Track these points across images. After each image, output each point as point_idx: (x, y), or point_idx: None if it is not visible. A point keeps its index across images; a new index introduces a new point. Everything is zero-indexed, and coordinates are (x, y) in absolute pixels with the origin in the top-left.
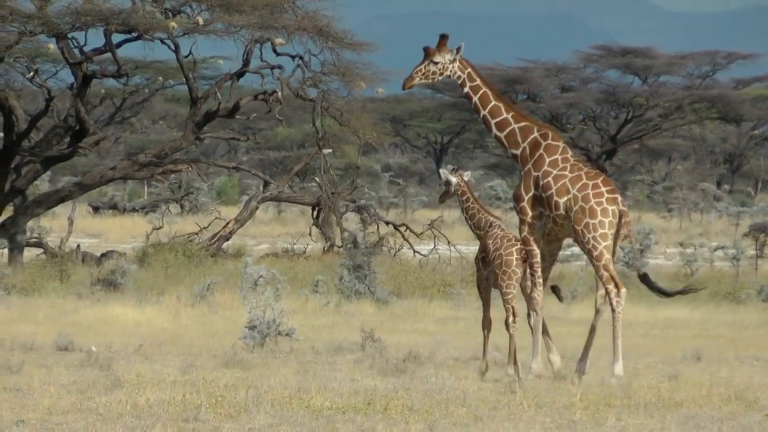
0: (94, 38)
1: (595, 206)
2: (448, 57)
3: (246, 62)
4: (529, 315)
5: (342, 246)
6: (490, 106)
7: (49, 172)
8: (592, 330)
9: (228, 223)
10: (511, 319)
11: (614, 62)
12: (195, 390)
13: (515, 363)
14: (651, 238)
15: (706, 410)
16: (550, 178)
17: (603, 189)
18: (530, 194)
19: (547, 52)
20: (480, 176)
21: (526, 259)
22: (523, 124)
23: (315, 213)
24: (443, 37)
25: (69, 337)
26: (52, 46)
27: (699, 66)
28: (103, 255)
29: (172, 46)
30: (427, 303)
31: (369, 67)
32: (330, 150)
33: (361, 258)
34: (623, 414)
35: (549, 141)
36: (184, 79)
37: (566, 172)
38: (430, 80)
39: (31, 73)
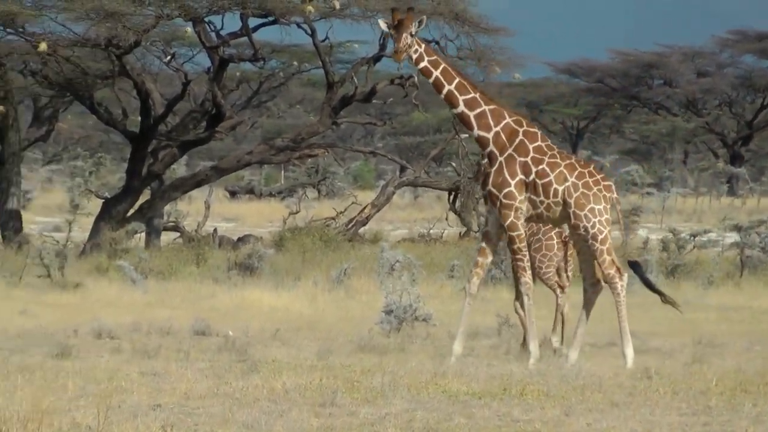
0: (231, 22)
1: (597, 192)
2: (413, 30)
3: (382, 47)
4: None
5: (478, 231)
6: (455, 83)
7: (185, 157)
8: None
9: (365, 208)
10: (559, 291)
11: (750, 47)
12: (331, 375)
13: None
14: None
15: None
16: (543, 165)
17: (598, 177)
18: (516, 179)
19: (680, 35)
20: (615, 161)
21: (567, 241)
22: (492, 106)
23: (451, 198)
24: (411, 10)
25: (206, 322)
26: (189, 29)
27: None
28: (239, 239)
29: (309, 30)
30: None
31: (505, 52)
32: (466, 135)
33: None
34: (759, 400)
35: (525, 128)
36: (320, 64)
37: (558, 160)
38: (405, 52)
39: (168, 57)
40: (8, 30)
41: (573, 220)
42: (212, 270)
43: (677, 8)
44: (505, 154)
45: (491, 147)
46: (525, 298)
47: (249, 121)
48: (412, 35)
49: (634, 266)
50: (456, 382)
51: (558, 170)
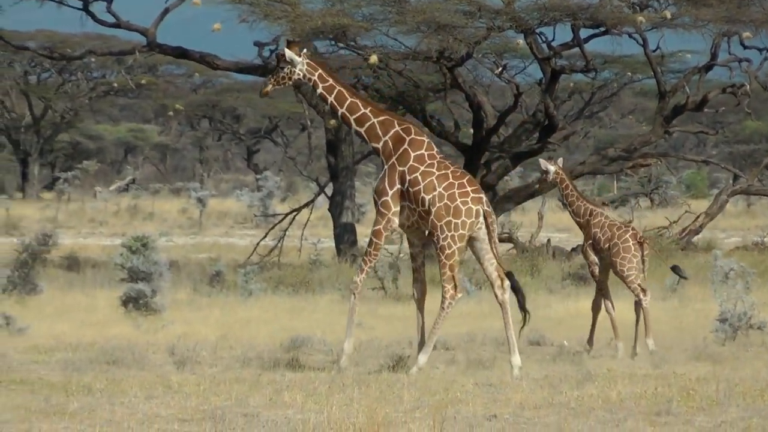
0: (562, 33)
1: (460, 205)
2: (295, 60)
3: (713, 55)
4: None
5: None
6: (347, 104)
7: (519, 168)
8: (506, 324)
9: (698, 217)
10: (642, 295)
11: None
12: (666, 383)
13: (650, 335)
14: None
15: None
16: (417, 174)
17: (468, 189)
18: (395, 189)
19: None
20: None
21: (643, 242)
22: (382, 118)
23: None
24: (289, 43)
25: (540, 332)
26: (521, 41)
27: None
28: (573, 249)
29: (640, 41)
30: None
31: None
32: None
33: None
34: None
35: (413, 136)
36: (652, 73)
37: (433, 169)
38: (282, 85)
39: (500, 69)
40: (339, 44)
41: (430, 227)
42: (546, 280)
43: None
44: (389, 163)
45: (383, 157)
46: (352, 297)
47: (581, 132)
48: (281, 68)
49: (509, 276)
50: None
51: (429, 179)
